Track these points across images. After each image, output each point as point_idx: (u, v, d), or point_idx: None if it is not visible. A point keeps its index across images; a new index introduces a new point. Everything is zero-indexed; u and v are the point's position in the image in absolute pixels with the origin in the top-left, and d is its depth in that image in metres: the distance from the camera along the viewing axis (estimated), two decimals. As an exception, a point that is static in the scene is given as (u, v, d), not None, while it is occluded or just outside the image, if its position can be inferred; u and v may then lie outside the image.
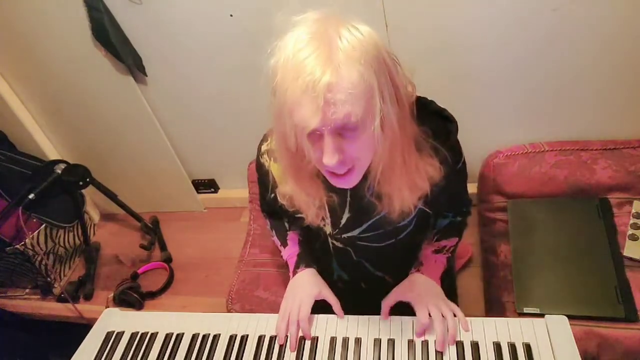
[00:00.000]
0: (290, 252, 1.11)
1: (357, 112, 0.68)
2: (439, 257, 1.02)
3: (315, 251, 1.13)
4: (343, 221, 0.99)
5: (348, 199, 0.94)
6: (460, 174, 1.00)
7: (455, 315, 0.91)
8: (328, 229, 1.02)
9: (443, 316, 0.90)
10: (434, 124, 0.88)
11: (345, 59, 0.66)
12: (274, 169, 0.98)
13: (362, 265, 1.09)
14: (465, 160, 0.98)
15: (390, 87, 0.71)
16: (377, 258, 1.08)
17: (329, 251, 1.09)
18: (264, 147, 1.00)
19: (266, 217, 1.20)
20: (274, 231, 1.16)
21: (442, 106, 0.93)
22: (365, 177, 0.83)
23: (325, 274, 1.08)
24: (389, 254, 1.05)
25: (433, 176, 0.86)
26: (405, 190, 0.84)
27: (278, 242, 1.15)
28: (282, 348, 0.94)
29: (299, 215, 0.99)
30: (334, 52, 0.66)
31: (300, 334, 0.96)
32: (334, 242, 1.05)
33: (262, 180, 1.05)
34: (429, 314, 0.91)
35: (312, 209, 0.92)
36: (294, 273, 1.07)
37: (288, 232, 1.14)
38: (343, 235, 1.02)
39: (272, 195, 1.01)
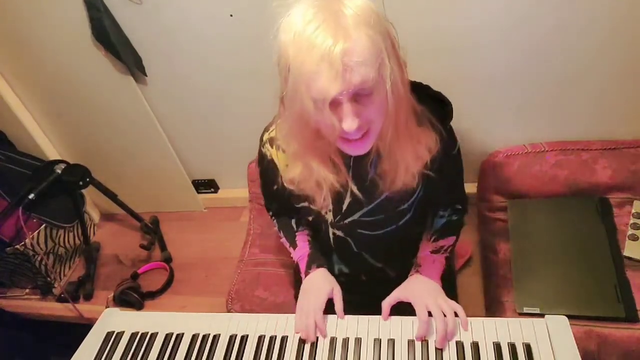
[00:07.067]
0: (300, 253, 1.10)
1: (372, 74, 0.71)
2: (437, 257, 1.02)
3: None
4: (344, 207, 0.99)
5: (350, 183, 0.94)
6: (457, 160, 1.02)
7: (456, 314, 0.91)
8: (329, 217, 1.02)
9: (444, 315, 0.90)
10: (430, 105, 0.91)
11: (354, 24, 0.69)
12: (278, 157, 0.98)
13: (363, 257, 1.09)
14: (460, 149, 1.00)
15: (393, 50, 0.75)
16: (377, 249, 1.07)
17: (329, 244, 1.09)
18: (265, 137, 1.01)
19: (273, 217, 1.19)
20: (282, 232, 1.16)
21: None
22: (368, 152, 0.85)
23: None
24: (388, 245, 1.05)
25: (431, 148, 0.90)
26: (409, 157, 0.88)
27: (287, 244, 1.14)
28: (282, 348, 0.94)
29: (303, 204, 1.00)
30: (342, 19, 0.69)
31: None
32: (335, 230, 1.05)
33: (266, 171, 1.04)
34: (430, 313, 0.90)
35: (320, 192, 0.93)
36: (306, 274, 1.06)
37: (297, 233, 1.13)
38: (344, 221, 1.02)
39: (276, 187, 1.01)
